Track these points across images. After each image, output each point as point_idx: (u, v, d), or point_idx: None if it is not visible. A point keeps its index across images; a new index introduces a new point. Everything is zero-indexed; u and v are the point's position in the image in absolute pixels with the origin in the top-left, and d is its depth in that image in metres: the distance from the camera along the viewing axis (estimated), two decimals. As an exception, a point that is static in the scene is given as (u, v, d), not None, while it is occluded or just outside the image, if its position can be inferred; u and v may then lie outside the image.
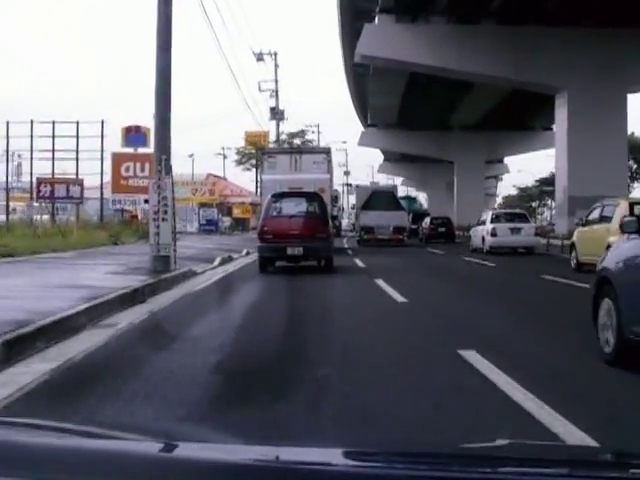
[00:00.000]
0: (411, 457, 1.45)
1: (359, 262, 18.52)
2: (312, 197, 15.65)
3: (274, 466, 1.28)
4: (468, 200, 54.02)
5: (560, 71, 26.58)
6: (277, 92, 39.40)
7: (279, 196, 15.58)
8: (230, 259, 19.02)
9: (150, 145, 29.87)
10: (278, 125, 39.60)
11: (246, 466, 1.23)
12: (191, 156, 50.31)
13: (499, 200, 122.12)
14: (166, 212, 11.44)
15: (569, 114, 26.61)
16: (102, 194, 29.98)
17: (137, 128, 30.20)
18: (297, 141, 38.91)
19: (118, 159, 29.08)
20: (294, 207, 15.06)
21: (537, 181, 74.89)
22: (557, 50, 26.36)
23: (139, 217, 31.99)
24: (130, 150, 30.98)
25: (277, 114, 39.15)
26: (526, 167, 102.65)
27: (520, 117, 53.51)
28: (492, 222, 24.14)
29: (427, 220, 39.23)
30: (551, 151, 45.61)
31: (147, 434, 1.61)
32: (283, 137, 39.03)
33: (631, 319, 5.08)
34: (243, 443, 1.58)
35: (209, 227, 42.19)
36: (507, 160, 75.16)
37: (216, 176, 58.41)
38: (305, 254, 14.41)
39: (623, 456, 1.55)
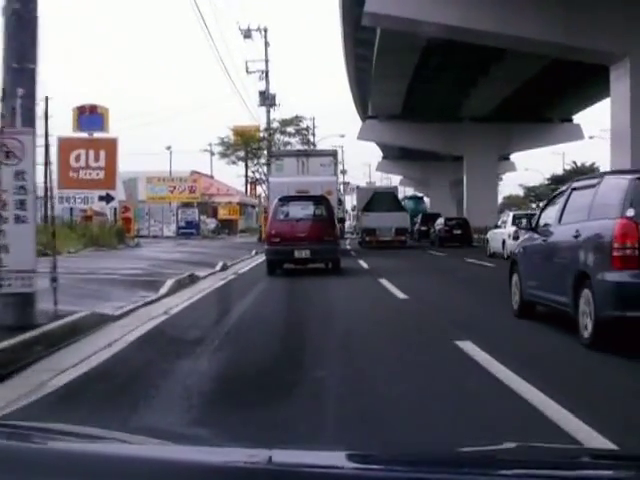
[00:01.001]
0: (411, 460, 1.45)
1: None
2: (319, 200, 15.83)
3: (274, 469, 1.28)
4: (480, 199, 48.91)
5: (621, 35, 21.01)
6: (267, 73, 33.94)
7: (286, 199, 15.75)
8: (190, 281, 13.24)
9: (109, 129, 24.30)
10: (269, 112, 34.16)
11: (247, 469, 1.24)
12: (169, 148, 44.49)
13: (499, 200, 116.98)
14: (23, 204, 5.71)
15: (632, 87, 21.01)
16: (48, 189, 24.24)
17: (93, 108, 24.56)
18: (291, 129, 33.37)
19: (66, 146, 23.34)
20: (301, 210, 15.22)
21: (549, 179, 69.62)
22: (618, 10, 20.83)
23: (107, 217, 26.57)
24: (84, 135, 25.28)
25: (267, 99, 33.71)
26: (532, 165, 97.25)
27: (537, 107, 48.53)
28: (514, 224, 21.31)
29: (440, 221, 35.45)
30: (558, 149, 41.84)
31: (148, 437, 1.62)
32: (275, 125, 33.58)
33: (527, 286, 8.62)
34: (244, 446, 1.58)
35: (188, 230, 36.67)
36: (513, 157, 70.25)
37: (201, 174, 52.93)
38: (312, 257, 14.61)
39: (627, 458, 1.60)
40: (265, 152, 33.37)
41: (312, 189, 19.37)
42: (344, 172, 77.10)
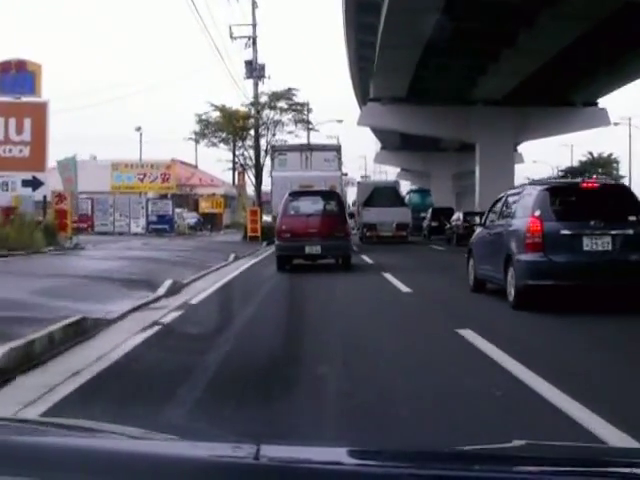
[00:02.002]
0: (412, 456, 1.45)
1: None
2: (330, 195, 16.06)
3: (274, 464, 1.28)
4: (494, 192, 43.14)
5: None
6: (255, 40, 28.28)
7: (297, 194, 15.83)
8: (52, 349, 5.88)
9: (41, 92, 18.59)
10: (256, 84, 28.49)
11: (247, 465, 1.24)
12: (139, 129, 38.61)
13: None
14: None
15: None
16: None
17: (20, 64, 18.37)
18: (283, 104, 27.74)
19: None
20: (312, 205, 15.24)
21: (563, 171, 64.36)
22: None
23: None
24: (7, 99, 19.08)
25: (255, 70, 28.05)
26: (539, 157, 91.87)
27: (558, 89, 43.11)
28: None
29: (458, 216, 32.13)
30: (566, 140, 37.53)
31: (148, 432, 1.59)
32: (264, 99, 27.83)
33: (478, 267, 11.10)
34: (244, 441, 1.56)
35: (161, 226, 31.05)
36: (520, 148, 65.03)
37: (184, 163, 47.23)
38: (323, 252, 14.62)
39: (630, 455, 1.66)
40: (252, 133, 27.89)
41: (316, 184, 19.09)
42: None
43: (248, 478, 1.17)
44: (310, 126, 28.58)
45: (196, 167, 53.39)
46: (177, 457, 1.29)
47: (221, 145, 28.73)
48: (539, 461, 1.40)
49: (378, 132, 65.96)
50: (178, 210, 37.78)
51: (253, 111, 27.90)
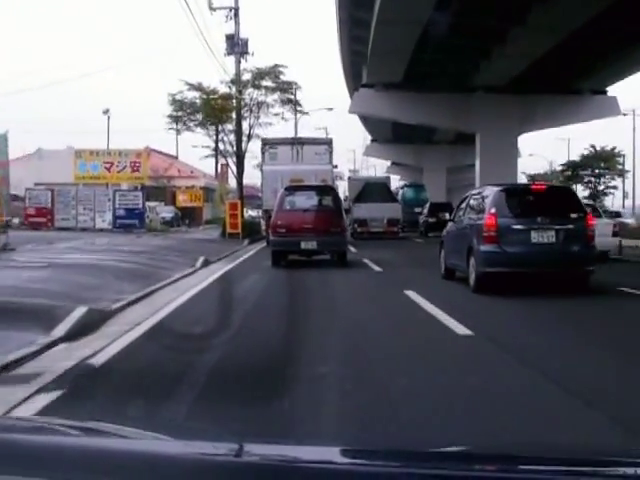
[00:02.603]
0: (411, 456, 1.45)
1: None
2: (326, 190, 15.99)
3: (275, 464, 1.28)
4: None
5: None
6: (237, 11, 24.75)
7: (292, 189, 15.60)
8: None
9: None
10: (239, 61, 24.97)
11: (247, 464, 1.25)
12: (106, 112, 34.88)
13: None
14: None
15: None
16: None
17: None
18: (269, 83, 24.30)
19: None
20: (308, 200, 15.11)
21: (563, 165, 61.33)
22: None
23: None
24: None
25: (237, 45, 24.55)
26: (535, 151, 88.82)
27: (565, 77, 40.12)
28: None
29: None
30: (562, 133, 34.91)
31: (147, 432, 1.59)
32: (246, 77, 24.39)
33: (447, 258, 12.51)
34: (244, 441, 1.55)
35: (129, 221, 27.47)
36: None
37: (161, 153, 43.69)
38: (319, 248, 14.53)
39: (630, 455, 1.60)
40: (233, 115, 24.49)
41: (306, 178, 19.13)
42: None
43: (247, 478, 1.17)
44: (299, 108, 25.16)
45: (176, 158, 49.83)
46: (174, 456, 1.29)
47: (198, 130, 25.35)
48: (539, 461, 1.40)
49: (369, 123, 62.79)
50: (152, 204, 34.24)
51: (234, 90, 24.44)
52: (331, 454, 1.41)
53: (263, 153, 24.03)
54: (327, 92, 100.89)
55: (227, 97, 24.20)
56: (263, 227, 22.16)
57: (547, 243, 10.52)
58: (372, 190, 31.91)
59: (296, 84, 24.63)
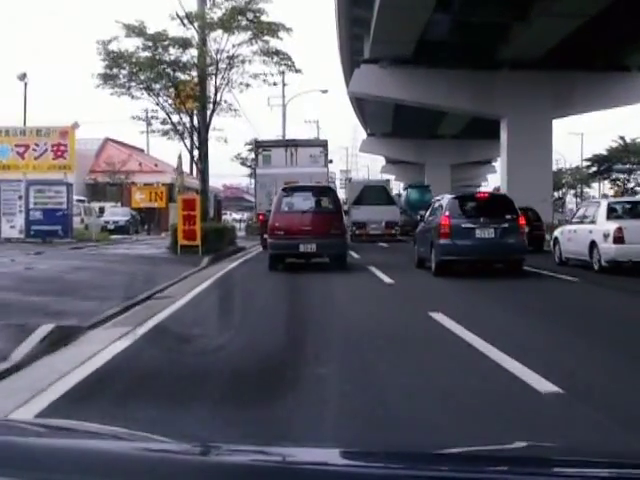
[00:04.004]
0: (411, 457, 1.47)
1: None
2: (326, 191, 15.76)
3: (275, 466, 1.29)
4: (527, 181, 33.38)
5: None
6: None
7: (291, 190, 15.29)
8: None
9: None
10: (203, -1, 17.14)
11: (248, 466, 1.24)
12: (23, 78, 26.79)
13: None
14: None
15: None
16: None
17: None
18: (245, 22, 16.33)
19: None
20: (307, 202, 14.90)
21: (588, 160, 54.25)
22: None
23: None
24: None
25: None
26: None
27: (608, 50, 32.89)
28: (611, 218, 15.33)
29: None
30: (574, 127, 28.81)
31: (144, 433, 1.59)
32: (216, 15, 16.32)
33: (419, 250, 14.98)
34: (243, 442, 1.59)
35: (49, 227, 19.33)
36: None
37: (120, 143, 35.97)
38: (319, 251, 14.25)
39: (630, 457, 1.62)
40: (194, 74, 16.93)
41: (301, 181, 18.34)
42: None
43: (245, 479, 1.17)
44: (287, 62, 17.38)
45: (142, 151, 42.09)
46: (172, 458, 1.29)
47: (144, 96, 17.63)
48: (538, 462, 1.41)
49: (366, 113, 55.60)
50: (97, 204, 26.77)
51: (196, 36, 16.65)
52: (330, 456, 1.41)
53: (256, 156, 24.06)
54: (315, 78, 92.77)
55: (183, 44, 16.50)
56: (242, 232, 21.33)
57: (488, 237, 13.41)
58: (371, 193, 32.18)
59: (284, 27, 16.86)
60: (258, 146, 24.14)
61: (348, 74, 40.52)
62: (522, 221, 13.83)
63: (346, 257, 14.69)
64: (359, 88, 35.97)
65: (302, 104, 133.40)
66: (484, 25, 30.61)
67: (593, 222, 15.60)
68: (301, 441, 2.42)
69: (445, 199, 14.32)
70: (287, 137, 40.27)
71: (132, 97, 17.35)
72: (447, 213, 13.41)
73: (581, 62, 33.47)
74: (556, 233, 18.16)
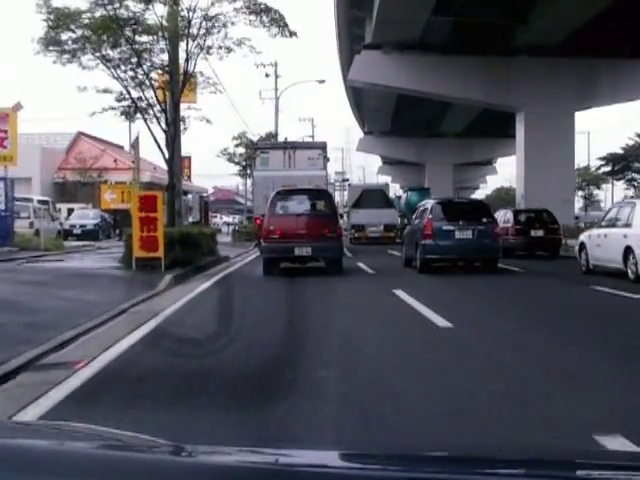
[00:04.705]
0: (409, 459, 1.46)
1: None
2: (321, 194, 15.68)
3: (273, 469, 1.27)
4: (547, 179, 29.99)
5: None
6: None
7: (285, 193, 15.07)
8: None
9: None
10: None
11: (245, 468, 1.24)
12: None
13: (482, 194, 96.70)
14: None
15: None
16: None
17: None
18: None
19: None
20: (302, 205, 14.70)
21: (602, 159, 50.81)
22: None
23: None
24: None
25: None
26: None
27: (635, 36, 29.67)
28: None
29: (507, 216, 22.22)
30: (578, 126, 26.69)
31: (144, 436, 1.57)
32: None
33: (406, 250, 16.42)
34: (242, 445, 1.57)
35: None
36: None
37: (93, 138, 32.35)
38: (314, 254, 13.98)
39: (630, 459, 1.63)
40: (162, 44, 13.25)
41: (299, 184, 17.85)
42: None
43: None
44: (279, 23, 13.53)
45: (122, 148, 38.31)
46: (171, 460, 1.28)
47: (99, 67, 13.90)
48: (538, 464, 1.41)
49: (364, 108, 51.97)
50: (66, 205, 23.03)
51: None
52: (329, 458, 1.41)
53: (254, 158, 23.96)
54: (310, 72, 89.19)
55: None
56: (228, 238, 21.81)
57: (466, 238, 14.71)
58: (370, 197, 32.77)
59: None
60: (256, 148, 24.16)
61: (346, 65, 36.89)
62: (496, 225, 15.71)
63: (342, 261, 14.45)
64: (359, 76, 32.29)
65: (295, 103, 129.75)
66: (500, 2, 27.18)
67: (628, 225, 14.11)
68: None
69: (429, 204, 16.05)
70: (280, 135, 39.47)
71: (82, 67, 13.65)
72: (430, 217, 14.91)
73: (607, 48, 30.02)
74: (582, 238, 16.38)
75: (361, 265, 15.91)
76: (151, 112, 14.49)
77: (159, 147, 15.12)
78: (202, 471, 1.18)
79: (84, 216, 26.03)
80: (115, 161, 31.41)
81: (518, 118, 32.54)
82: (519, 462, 1.41)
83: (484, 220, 14.92)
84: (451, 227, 14.62)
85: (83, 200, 30.21)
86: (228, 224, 49.29)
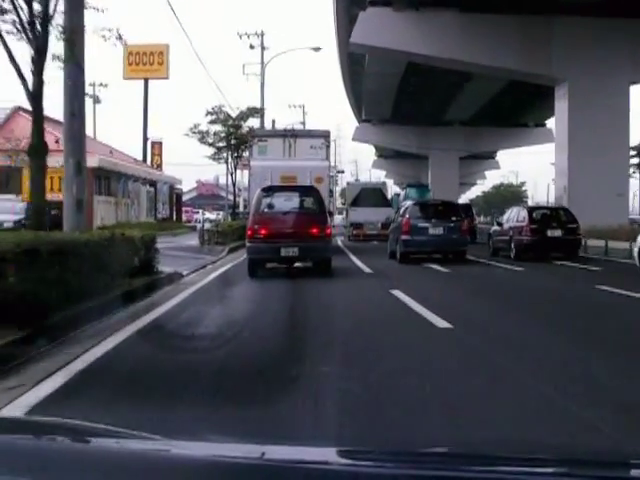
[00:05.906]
0: (409, 456, 1.46)
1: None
2: (308, 191, 15.20)
3: (271, 465, 1.28)
4: (595, 168, 24.07)
5: None
6: None
7: (271, 190, 14.73)
8: None
9: None
10: None
11: (243, 465, 1.24)
12: None
13: (474, 194, 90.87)
14: None
15: None
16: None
17: None
18: None
19: None
20: (289, 202, 14.27)
21: (634, 148, 44.88)
22: None
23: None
24: None
25: None
26: (514, 167, 72.31)
27: None
28: None
29: (519, 214, 20.06)
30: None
31: (141, 432, 1.57)
32: None
33: (390, 245, 18.55)
34: (241, 441, 1.58)
35: None
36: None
37: (52, 119, 25.40)
38: (301, 255, 13.62)
39: (630, 457, 1.61)
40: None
41: (300, 175, 19.07)
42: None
43: (244, 478, 1.17)
44: None
45: (94, 139, 31.99)
46: (169, 457, 1.29)
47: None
48: (537, 461, 1.41)
49: (362, 94, 45.88)
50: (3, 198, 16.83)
51: None
52: (330, 454, 1.42)
53: (251, 146, 23.24)
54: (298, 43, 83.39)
55: None
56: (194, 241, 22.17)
57: (438, 234, 16.82)
58: (367, 195, 33.85)
59: None
60: (253, 136, 23.43)
61: (344, 34, 30.61)
62: (463, 223, 17.70)
63: (330, 262, 13.89)
64: (364, 39, 26.10)
65: (283, 87, 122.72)
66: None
67: None
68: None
69: (407, 205, 19.05)
70: (266, 114, 36.62)
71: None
72: (407, 216, 17.34)
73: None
74: None
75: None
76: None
77: (18, 72, 8.95)
78: (198, 466, 1.18)
79: (3, 210, 19.87)
80: (57, 142, 25.26)
81: (558, 92, 26.66)
82: (519, 459, 1.41)
83: (453, 219, 17.38)
84: (426, 224, 17.01)
85: (14, 190, 24.03)
86: (211, 221, 43.77)
